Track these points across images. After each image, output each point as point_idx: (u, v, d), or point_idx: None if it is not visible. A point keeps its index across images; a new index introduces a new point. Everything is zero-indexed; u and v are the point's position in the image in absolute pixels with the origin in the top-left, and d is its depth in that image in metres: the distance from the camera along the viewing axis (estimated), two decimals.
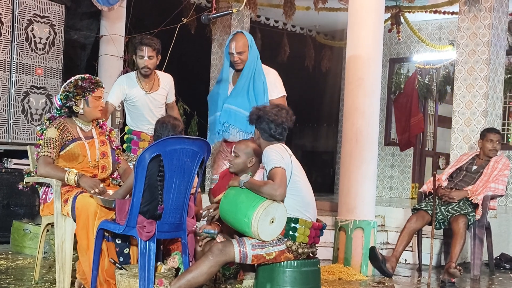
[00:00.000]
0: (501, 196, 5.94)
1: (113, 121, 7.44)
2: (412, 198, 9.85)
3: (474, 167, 5.97)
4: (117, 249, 3.89)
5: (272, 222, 3.68)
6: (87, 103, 4.14)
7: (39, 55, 6.36)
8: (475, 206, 5.70)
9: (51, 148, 4.02)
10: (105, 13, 7.59)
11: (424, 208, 5.71)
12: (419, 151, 10.34)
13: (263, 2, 8.71)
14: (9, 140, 6.14)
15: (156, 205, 3.55)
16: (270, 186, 3.66)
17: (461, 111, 7.03)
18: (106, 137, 4.32)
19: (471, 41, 6.98)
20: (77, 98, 4.11)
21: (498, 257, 6.37)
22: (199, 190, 4.48)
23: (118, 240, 3.87)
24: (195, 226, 4.05)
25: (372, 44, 5.59)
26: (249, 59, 4.91)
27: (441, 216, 5.67)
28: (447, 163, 8.68)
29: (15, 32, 6.16)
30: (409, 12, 8.95)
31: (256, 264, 3.88)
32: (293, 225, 3.73)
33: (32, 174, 4.20)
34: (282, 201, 3.72)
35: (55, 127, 4.08)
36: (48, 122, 4.19)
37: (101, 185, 3.96)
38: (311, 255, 3.87)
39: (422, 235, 5.98)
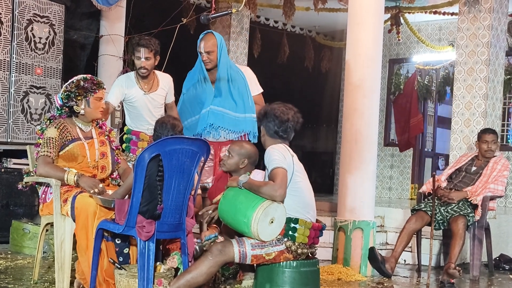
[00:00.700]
0: (500, 197, 5.94)
1: (113, 121, 7.44)
2: (411, 199, 9.85)
3: (474, 168, 5.98)
4: (117, 249, 3.89)
5: (272, 222, 3.68)
6: (88, 103, 4.14)
7: (39, 55, 6.36)
8: (474, 207, 5.70)
9: (50, 148, 4.02)
10: (104, 13, 7.59)
11: (423, 209, 5.71)
12: (418, 152, 10.34)
13: (262, 2, 8.71)
14: (9, 140, 6.14)
15: (155, 205, 3.55)
16: (270, 186, 3.65)
17: (460, 112, 7.03)
18: (106, 137, 4.32)
19: (471, 42, 6.98)
20: (79, 98, 4.11)
21: (497, 258, 6.37)
22: (199, 189, 4.48)
23: (118, 240, 3.87)
24: (196, 243, 4.06)
25: (372, 44, 5.59)
26: (222, 60, 4.98)
27: (440, 216, 5.67)
28: (447, 163, 8.69)
29: (15, 32, 6.16)
30: (409, 12, 8.96)
31: (255, 264, 3.88)
32: (292, 225, 3.73)
33: (32, 174, 4.19)
34: (282, 201, 3.72)
35: (55, 127, 4.08)
36: (48, 121, 4.19)
37: (101, 185, 3.96)
38: (310, 255, 3.87)
39: (422, 236, 5.99)
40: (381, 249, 6.09)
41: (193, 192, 3.88)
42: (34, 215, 6.05)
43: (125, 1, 7.66)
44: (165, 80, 5.22)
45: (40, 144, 4.08)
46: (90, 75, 4.19)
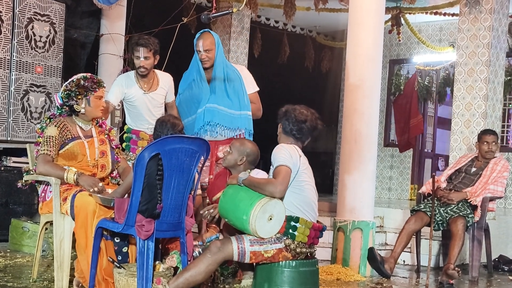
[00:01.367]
0: (500, 198, 5.94)
1: (113, 120, 7.44)
2: (411, 199, 9.85)
3: (473, 169, 5.98)
4: (116, 248, 3.89)
5: (270, 219, 3.69)
6: (89, 102, 4.14)
7: (39, 53, 6.36)
8: (474, 207, 5.70)
9: (50, 147, 4.02)
10: (105, 12, 7.59)
11: (423, 210, 5.71)
12: (418, 153, 10.34)
13: (263, 2, 8.71)
14: (8, 138, 6.14)
15: (155, 204, 3.55)
16: (270, 183, 3.68)
17: (460, 113, 7.03)
18: (106, 136, 4.32)
19: (471, 42, 6.98)
20: (79, 97, 4.11)
21: (496, 259, 6.37)
22: (199, 188, 4.48)
23: (117, 239, 3.87)
24: (198, 245, 4.07)
25: (372, 45, 5.59)
26: (218, 58, 5.02)
27: (439, 217, 5.67)
28: (446, 164, 8.68)
29: (15, 30, 6.16)
30: (409, 13, 8.96)
31: (254, 264, 3.89)
32: (293, 223, 3.74)
33: (31, 172, 4.19)
34: (281, 198, 3.73)
35: (55, 126, 4.08)
36: (48, 120, 4.18)
37: (100, 184, 3.96)
38: (309, 255, 3.87)
39: (421, 236, 5.99)
40: (380, 250, 6.09)
41: (192, 192, 3.88)
42: (33, 213, 6.05)
43: (125, 0, 7.66)
44: (165, 80, 5.21)
45: (40, 142, 4.08)
46: (90, 74, 4.19)
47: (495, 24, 6.91)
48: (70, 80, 4.13)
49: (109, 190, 3.99)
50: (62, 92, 4.12)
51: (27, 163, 4.42)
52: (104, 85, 4.24)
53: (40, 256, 4.40)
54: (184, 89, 5.18)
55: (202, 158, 3.78)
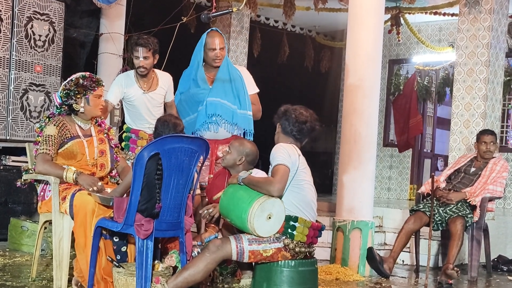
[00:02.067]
0: (499, 198, 5.94)
1: (112, 120, 7.44)
2: (410, 199, 9.85)
3: (472, 169, 5.98)
4: (115, 247, 3.89)
5: (269, 218, 3.69)
6: (88, 101, 4.14)
7: (39, 53, 6.36)
8: (473, 208, 5.70)
9: (49, 146, 4.02)
10: (104, 11, 7.59)
11: (422, 210, 5.71)
12: (417, 153, 10.34)
13: (263, 1, 8.71)
14: (8, 137, 6.13)
15: (154, 203, 3.55)
16: (268, 181, 3.69)
17: (460, 113, 7.03)
18: (105, 135, 4.32)
19: (471, 43, 6.98)
20: (78, 96, 4.11)
21: (495, 259, 6.37)
22: (198, 187, 4.48)
23: (116, 238, 3.87)
24: (197, 245, 4.06)
25: (372, 45, 5.59)
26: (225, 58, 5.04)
27: (438, 217, 5.67)
28: (446, 164, 8.69)
29: (15, 29, 6.15)
30: (409, 13, 8.96)
31: (253, 263, 3.89)
32: (292, 223, 3.74)
33: (31, 172, 4.19)
34: (280, 197, 3.73)
35: (54, 125, 4.07)
36: (47, 119, 4.18)
37: (99, 183, 3.96)
38: (308, 255, 3.87)
39: (420, 236, 5.99)
40: (379, 250, 6.09)
41: (191, 191, 3.88)
42: (32, 212, 6.05)
43: None
44: (164, 79, 5.21)
45: (39, 142, 4.08)
46: (89, 73, 4.19)
47: (495, 24, 6.91)
48: (69, 79, 4.13)
49: (108, 190, 3.99)
50: (61, 92, 4.12)
51: (26, 162, 4.42)
52: (103, 83, 4.24)
53: (39, 255, 4.40)
54: (185, 87, 5.18)
55: (202, 157, 3.78)
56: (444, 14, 8.83)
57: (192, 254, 4.01)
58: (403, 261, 6.29)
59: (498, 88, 7.11)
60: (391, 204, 8.25)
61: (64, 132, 4.08)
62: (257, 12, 8.62)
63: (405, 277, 5.65)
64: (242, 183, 3.80)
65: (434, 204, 5.63)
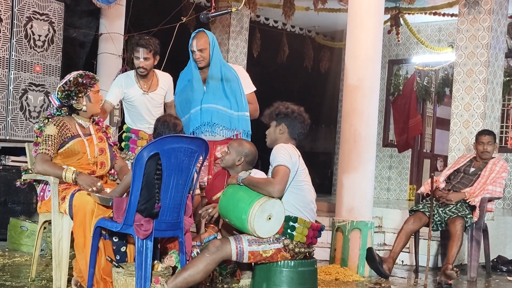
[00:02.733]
0: (498, 198, 5.94)
1: (112, 120, 7.44)
2: (409, 200, 9.86)
3: (472, 169, 5.98)
4: (114, 247, 3.88)
5: (269, 219, 3.69)
6: (89, 99, 4.16)
7: (38, 53, 6.35)
8: (472, 208, 5.70)
9: (49, 146, 4.01)
10: (104, 11, 7.58)
11: (421, 210, 5.71)
12: (417, 153, 10.34)
13: (262, 2, 8.71)
14: (7, 137, 6.13)
15: (153, 203, 3.55)
16: (268, 182, 3.69)
17: (459, 113, 7.03)
18: (103, 133, 4.32)
19: (470, 43, 6.98)
20: (80, 96, 4.11)
21: (495, 259, 6.38)
22: (198, 187, 4.48)
23: (115, 238, 3.87)
24: (197, 246, 4.06)
25: (371, 45, 5.59)
26: (214, 58, 5.01)
27: (438, 217, 5.67)
28: (445, 165, 8.68)
29: (14, 29, 6.15)
30: (408, 13, 8.96)
31: (253, 264, 3.89)
32: (291, 223, 3.74)
33: (30, 172, 4.19)
34: (280, 198, 3.72)
35: (54, 124, 4.07)
36: (46, 120, 4.17)
37: (99, 183, 3.96)
38: (308, 255, 3.87)
39: (419, 237, 5.99)
40: (379, 250, 6.09)
41: (191, 191, 3.88)
42: (32, 212, 6.05)
43: None
44: (164, 80, 5.21)
45: (39, 142, 4.07)
46: (83, 71, 4.18)
47: (494, 24, 6.91)
48: (65, 80, 4.09)
49: (108, 190, 3.99)
50: (59, 93, 4.10)
51: (26, 162, 4.42)
52: (98, 78, 4.25)
53: (38, 255, 4.40)
54: (180, 89, 5.17)
55: (201, 157, 3.78)
56: (444, 15, 8.83)
57: (192, 255, 4.01)
58: (402, 261, 6.29)
59: (497, 88, 7.11)
60: (390, 205, 8.25)
61: (65, 131, 4.08)
62: (256, 12, 8.62)
63: (404, 278, 5.65)
64: (241, 184, 3.80)
65: (434, 205, 5.63)
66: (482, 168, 5.92)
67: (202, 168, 4.89)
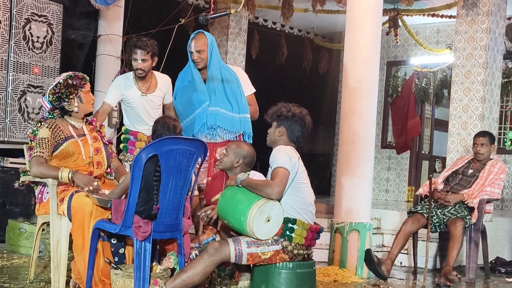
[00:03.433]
0: (497, 200, 5.94)
1: (110, 121, 7.44)
2: (408, 201, 9.86)
3: (470, 171, 5.98)
4: (113, 249, 3.88)
5: (268, 221, 3.69)
6: (81, 99, 4.16)
7: (37, 54, 6.36)
8: (470, 209, 5.70)
9: (43, 148, 4.01)
10: (103, 13, 7.58)
11: (419, 211, 5.72)
12: (415, 154, 10.34)
13: (261, 3, 8.72)
14: (6, 139, 6.13)
15: (152, 205, 3.55)
16: (267, 184, 3.68)
17: (458, 115, 7.04)
18: (97, 132, 4.32)
19: (469, 45, 6.99)
20: (71, 97, 4.11)
21: (493, 260, 6.38)
22: (196, 189, 4.48)
23: (114, 240, 3.86)
24: (195, 248, 4.06)
25: (370, 46, 5.59)
26: (213, 59, 5.00)
27: (436, 219, 5.67)
28: (443, 166, 8.69)
29: (13, 31, 6.15)
30: (407, 15, 8.97)
31: (252, 265, 3.88)
32: (290, 225, 3.74)
33: (28, 173, 4.18)
34: (279, 200, 3.72)
35: (47, 127, 4.06)
36: (39, 123, 4.16)
37: (95, 183, 3.96)
38: (306, 257, 3.87)
39: (418, 238, 5.99)
40: (377, 251, 6.09)
41: (190, 193, 3.88)
42: (30, 214, 6.04)
43: (123, 1, 7.66)
44: (163, 81, 5.21)
45: (33, 147, 4.07)
46: (72, 72, 4.19)
47: (492, 26, 6.92)
48: (55, 82, 4.10)
49: (106, 191, 3.98)
50: (50, 96, 4.10)
51: (24, 163, 4.41)
52: (88, 78, 4.25)
53: (37, 257, 4.40)
54: (180, 91, 5.16)
55: (200, 159, 3.78)
56: (442, 16, 8.84)
57: (190, 256, 4.01)
58: (401, 262, 6.29)
59: (496, 90, 7.12)
60: (389, 206, 8.25)
61: (58, 133, 4.08)
62: (255, 14, 8.62)
63: (403, 279, 5.65)
64: (240, 185, 3.80)
65: (432, 206, 5.63)
66: (480, 169, 5.93)
67: (202, 169, 4.90)
